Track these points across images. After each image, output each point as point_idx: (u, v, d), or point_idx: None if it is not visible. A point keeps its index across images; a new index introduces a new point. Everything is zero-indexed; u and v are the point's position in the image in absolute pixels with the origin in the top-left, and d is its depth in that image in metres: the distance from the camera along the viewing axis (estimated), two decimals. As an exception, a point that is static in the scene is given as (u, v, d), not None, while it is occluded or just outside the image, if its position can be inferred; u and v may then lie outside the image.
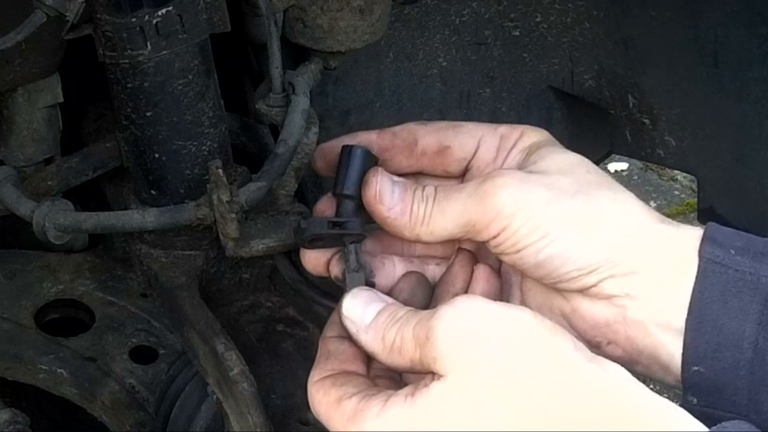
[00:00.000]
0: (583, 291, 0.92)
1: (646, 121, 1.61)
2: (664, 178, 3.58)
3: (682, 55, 1.53)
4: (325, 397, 0.87)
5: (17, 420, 1.13)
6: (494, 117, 1.63)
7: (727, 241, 0.90)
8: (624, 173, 3.60)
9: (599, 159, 1.83)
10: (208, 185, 1.03)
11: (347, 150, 0.97)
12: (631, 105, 1.60)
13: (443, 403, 0.81)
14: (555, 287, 0.94)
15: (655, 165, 3.39)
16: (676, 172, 3.45)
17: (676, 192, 3.54)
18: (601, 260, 0.90)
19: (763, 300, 0.88)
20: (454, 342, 0.82)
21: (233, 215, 1.02)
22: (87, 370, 1.21)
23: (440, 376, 0.82)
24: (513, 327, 0.82)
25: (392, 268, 1.01)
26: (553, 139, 1.00)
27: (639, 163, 3.56)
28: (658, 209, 3.42)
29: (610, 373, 0.81)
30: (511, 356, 0.80)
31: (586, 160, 0.97)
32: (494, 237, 0.92)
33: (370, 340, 0.88)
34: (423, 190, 0.95)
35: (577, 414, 0.78)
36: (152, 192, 1.11)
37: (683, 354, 0.90)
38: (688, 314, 0.89)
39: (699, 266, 0.89)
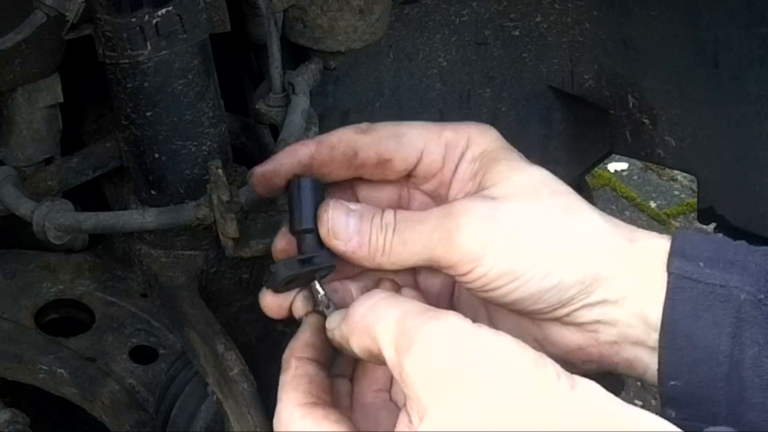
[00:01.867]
0: (555, 319, 0.91)
1: (646, 121, 1.61)
2: (664, 178, 3.58)
3: (682, 55, 1.53)
4: (315, 424, 0.83)
5: (17, 420, 1.13)
6: (494, 117, 1.63)
7: (696, 252, 0.89)
8: (624, 173, 3.60)
9: (599, 159, 1.83)
10: (208, 185, 1.03)
11: (295, 183, 0.93)
12: (631, 105, 1.60)
13: None
14: (526, 316, 0.92)
15: (655, 165, 3.39)
16: (676, 172, 3.45)
17: (676, 192, 3.54)
18: (574, 293, 0.89)
19: (735, 312, 0.86)
20: (434, 372, 0.77)
21: (233, 215, 1.02)
22: (87, 370, 1.21)
23: (418, 411, 0.78)
24: (497, 359, 0.77)
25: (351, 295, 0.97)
26: (504, 142, 0.96)
27: (639, 163, 3.56)
28: (658, 209, 3.44)
29: (589, 397, 0.78)
30: (495, 393, 0.76)
31: (547, 174, 0.93)
32: (461, 275, 0.89)
33: (339, 329, 0.85)
34: (381, 218, 0.91)
35: None
36: (152, 192, 1.11)
37: (659, 370, 0.89)
38: (661, 331, 0.88)
39: (668, 282, 0.88)
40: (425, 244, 0.89)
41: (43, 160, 1.20)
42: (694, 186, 1.75)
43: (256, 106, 1.19)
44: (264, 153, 1.20)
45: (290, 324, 1.15)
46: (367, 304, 0.83)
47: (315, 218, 0.92)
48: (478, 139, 0.95)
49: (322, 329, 0.91)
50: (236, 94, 1.33)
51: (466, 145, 0.95)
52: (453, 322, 0.79)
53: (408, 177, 0.97)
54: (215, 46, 1.09)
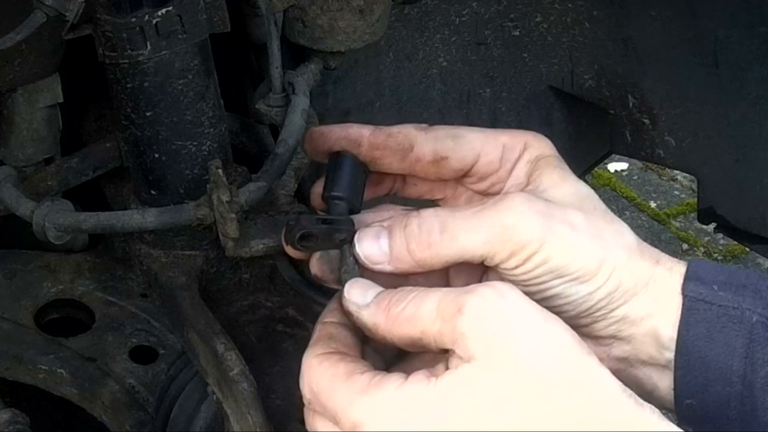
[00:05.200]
0: (575, 328, 0.93)
1: (646, 121, 1.61)
2: (664, 178, 3.58)
3: (682, 55, 1.53)
4: (331, 368, 0.84)
5: (17, 420, 1.12)
6: (494, 117, 1.64)
7: (710, 276, 0.91)
8: (624, 173, 3.60)
9: (599, 159, 1.83)
10: (208, 185, 1.03)
11: (336, 155, 0.97)
12: (631, 105, 1.61)
13: (469, 387, 0.79)
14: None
15: (655, 165, 3.39)
16: (676, 172, 3.45)
17: (676, 192, 3.54)
18: (601, 306, 0.91)
19: (748, 333, 0.89)
20: (488, 323, 0.80)
21: (233, 215, 1.02)
22: (87, 370, 1.21)
23: (464, 358, 0.80)
24: (546, 331, 0.81)
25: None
26: (556, 151, 0.99)
27: (639, 163, 3.56)
28: (658, 209, 3.43)
29: (609, 385, 0.81)
30: (543, 357, 0.79)
31: (591, 190, 0.96)
32: (515, 266, 0.89)
33: (371, 313, 0.86)
34: (417, 223, 0.89)
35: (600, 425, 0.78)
36: (152, 192, 1.11)
37: (674, 389, 0.92)
38: (676, 352, 0.91)
39: (683, 305, 0.91)
40: (484, 233, 0.88)
41: (43, 160, 1.20)
42: (694, 186, 1.75)
43: (256, 106, 1.19)
44: (264, 153, 1.20)
45: (290, 324, 1.15)
46: (407, 299, 0.84)
47: (347, 189, 0.95)
48: (535, 144, 0.98)
49: None
50: (236, 94, 1.33)
51: (523, 148, 0.97)
52: (505, 287, 0.82)
53: (462, 176, 0.99)
54: (215, 46, 1.09)
